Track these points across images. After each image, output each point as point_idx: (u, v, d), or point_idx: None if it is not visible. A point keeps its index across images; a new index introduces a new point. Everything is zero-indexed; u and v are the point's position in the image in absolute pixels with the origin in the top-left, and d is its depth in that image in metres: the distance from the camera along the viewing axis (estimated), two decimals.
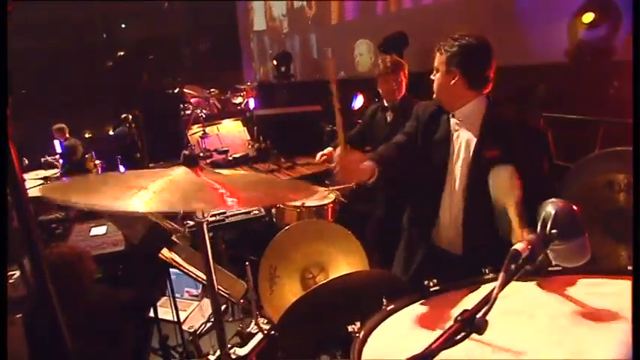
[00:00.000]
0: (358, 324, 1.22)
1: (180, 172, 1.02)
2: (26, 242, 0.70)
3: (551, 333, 1.01)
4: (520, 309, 1.14)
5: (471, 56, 1.69)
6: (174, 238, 1.50)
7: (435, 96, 1.78)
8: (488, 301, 0.69)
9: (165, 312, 2.60)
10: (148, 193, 0.92)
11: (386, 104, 2.91)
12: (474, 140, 1.71)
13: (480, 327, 0.64)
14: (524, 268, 0.78)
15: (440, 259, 1.80)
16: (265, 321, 1.23)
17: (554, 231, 0.86)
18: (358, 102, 5.42)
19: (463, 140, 1.74)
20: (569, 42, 3.87)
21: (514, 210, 1.40)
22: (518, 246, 0.81)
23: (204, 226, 1.03)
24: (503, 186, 1.41)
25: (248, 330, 1.18)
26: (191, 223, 2.32)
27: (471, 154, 1.71)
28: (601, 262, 1.87)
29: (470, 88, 1.71)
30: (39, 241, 0.73)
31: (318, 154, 2.94)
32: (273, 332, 1.21)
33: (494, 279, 1.45)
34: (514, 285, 1.38)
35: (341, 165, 1.56)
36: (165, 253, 1.64)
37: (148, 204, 0.89)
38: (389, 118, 2.90)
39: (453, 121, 1.76)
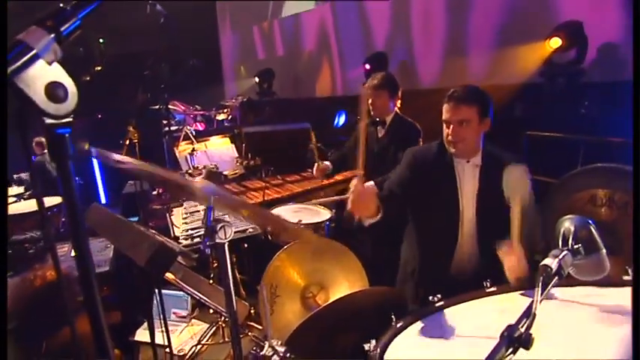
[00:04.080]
0: (373, 342, 1.22)
1: None
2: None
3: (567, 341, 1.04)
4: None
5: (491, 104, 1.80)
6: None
7: (458, 146, 1.79)
8: (528, 315, 0.70)
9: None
10: None
11: (377, 119, 2.89)
12: (477, 176, 1.81)
13: (528, 342, 0.66)
14: (553, 282, 0.80)
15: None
16: (280, 342, 1.21)
17: (577, 245, 0.89)
18: (342, 119, 5.48)
19: (468, 177, 1.82)
20: (543, 64, 4.04)
21: (518, 203, 1.48)
22: (548, 261, 0.84)
23: (226, 246, 1.02)
24: (514, 181, 1.49)
25: (262, 353, 1.16)
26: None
27: (477, 188, 1.80)
28: None
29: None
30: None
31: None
32: (289, 355, 1.19)
33: (496, 292, 1.50)
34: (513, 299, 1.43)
35: (356, 198, 1.56)
36: None
37: None
38: (379, 134, 2.88)
39: (460, 165, 1.83)
